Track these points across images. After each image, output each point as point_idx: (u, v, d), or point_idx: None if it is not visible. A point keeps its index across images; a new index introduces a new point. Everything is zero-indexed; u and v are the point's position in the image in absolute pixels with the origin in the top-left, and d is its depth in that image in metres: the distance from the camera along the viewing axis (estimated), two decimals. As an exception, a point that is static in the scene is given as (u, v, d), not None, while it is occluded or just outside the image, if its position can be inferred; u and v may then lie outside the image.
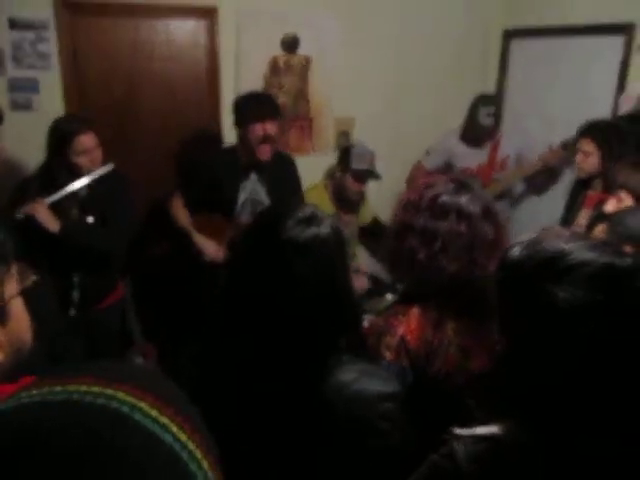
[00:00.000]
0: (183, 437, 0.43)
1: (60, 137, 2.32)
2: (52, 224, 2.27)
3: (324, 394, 1.03)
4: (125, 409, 0.41)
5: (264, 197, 2.79)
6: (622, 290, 0.83)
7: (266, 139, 2.62)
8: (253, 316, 1.08)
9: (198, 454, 0.43)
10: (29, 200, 2.23)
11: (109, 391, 0.42)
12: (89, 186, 2.42)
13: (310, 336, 1.06)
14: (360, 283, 3.09)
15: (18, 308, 0.84)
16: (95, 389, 0.42)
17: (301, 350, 1.06)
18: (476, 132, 3.39)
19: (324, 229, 1.10)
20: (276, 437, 1.03)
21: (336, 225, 1.15)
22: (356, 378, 1.05)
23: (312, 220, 1.10)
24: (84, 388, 0.42)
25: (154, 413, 0.42)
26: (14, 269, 0.82)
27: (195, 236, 2.76)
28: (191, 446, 0.43)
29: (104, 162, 2.42)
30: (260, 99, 2.75)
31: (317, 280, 1.06)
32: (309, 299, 1.06)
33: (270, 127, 2.61)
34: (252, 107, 2.64)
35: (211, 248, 2.73)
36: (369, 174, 2.98)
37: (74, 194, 2.38)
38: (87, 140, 2.34)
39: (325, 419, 1.02)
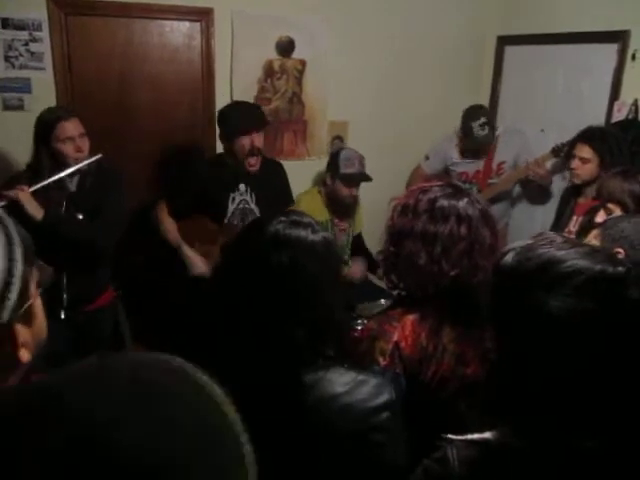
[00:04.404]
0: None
1: (43, 125, 2.28)
2: (35, 210, 2.18)
3: (313, 406, 1.01)
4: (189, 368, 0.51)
5: (254, 206, 2.77)
6: (614, 298, 0.83)
7: (253, 152, 2.61)
8: (240, 318, 1.06)
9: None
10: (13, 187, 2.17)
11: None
12: (79, 182, 2.37)
13: (294, 342, 1.04)
14: (357, 268, 3.07)
15: (39, 307, 0.83)
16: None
17: (286, 359, 1.03)
18: (475, 146, 3.39)
19: (312, 235, 1.07)
20: (273, 449, 1.01)
21: (328, 236, 1.12)
22: (346, 390, 1.03)
23: (301, 224, 1.08)
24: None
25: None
26: (35, 268, 0.81)
27: (184, 250, 2.71)
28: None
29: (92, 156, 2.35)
30: (245, 111, 2.71)
31: (300, 283, 1.04)
32: (291, 299, 1.04)
33: (257, 139, 2.61)
34: (238, 121, 2.61)
35: (199, 263, 2.69)
36: (359, 177, 2.96)
37: (63, 189, 2.33)
38: (70, 127, 2.29)
39: (317, 431, 1.00)
